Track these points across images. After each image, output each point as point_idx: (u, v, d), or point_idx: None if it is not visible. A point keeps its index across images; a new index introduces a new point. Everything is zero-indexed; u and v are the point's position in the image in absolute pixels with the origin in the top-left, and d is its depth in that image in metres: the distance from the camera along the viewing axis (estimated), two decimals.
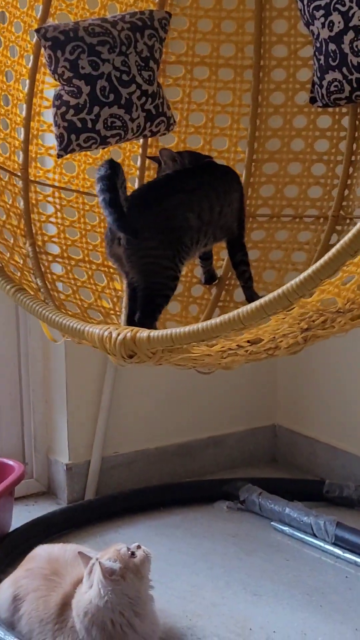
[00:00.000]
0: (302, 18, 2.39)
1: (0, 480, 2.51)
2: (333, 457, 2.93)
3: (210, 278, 2.52)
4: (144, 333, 1.83)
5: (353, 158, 2.52)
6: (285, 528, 2.62)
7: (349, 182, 2.52)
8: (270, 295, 1.62)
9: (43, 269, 2.36)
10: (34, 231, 2.40)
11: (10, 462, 2.62)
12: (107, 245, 2.25)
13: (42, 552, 2.19)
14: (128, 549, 1.99)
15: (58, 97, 2.35)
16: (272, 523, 2.66)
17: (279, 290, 1.61)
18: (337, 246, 1.56)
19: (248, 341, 1.88)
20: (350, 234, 1.54)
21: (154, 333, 1.82)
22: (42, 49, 2.35)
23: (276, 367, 3.10)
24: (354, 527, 2.51)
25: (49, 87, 2.43)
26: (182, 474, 2.97)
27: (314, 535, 2.55)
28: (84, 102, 2.33)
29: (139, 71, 2.39)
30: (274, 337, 1.88)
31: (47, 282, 2.33)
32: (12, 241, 2.31)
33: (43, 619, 2.03)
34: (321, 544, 2.53)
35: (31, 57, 2.42)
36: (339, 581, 2.38)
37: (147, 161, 2.60)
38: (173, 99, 2.58)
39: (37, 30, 2.35)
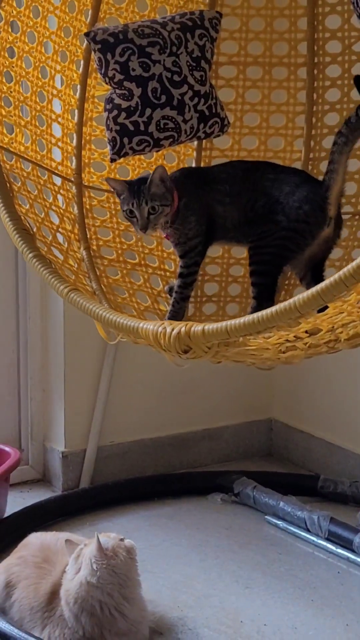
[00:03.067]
0: (355, 10, 2.36)
1: None
2: (328, 452, 2.91)
3: None
4: (199, 327, 1.79)
5: None
6: (279, 522, 2.61)
7: None
8: (327, 282, 1.58)
9: (98, 273, 2.32)
10: (88, 236, 2.36)
11: (7, 449, 2.61)
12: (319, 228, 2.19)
13: (35, 540, 2.20)
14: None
15: (109, 100, 2.30)
16: (265, 517, 2.65)
17: (335, 276, 1.56)
18: None
19: (306, 332, 1.83)
20: None
21: (208, 326, 1.78)
22: (92, 53, 2.29)
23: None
24: (347, 523, 2.49)
25: (101, 92, 2.39)
26: (177, 465, 2.96)
27: (308, 530, 2.53)
28: (136, 105, 2.28)
29: (190, 71, 2.34)
30: (333, 327, 1.83)
31: (102, 285, 2.28)
32: (66, 245, 2.29)
33: (33, 606, 2.04)
34: (314, 538, 2.51)
35: (82, 62, 2.39)
36: (331, 576, 2.37)
37: (204, 160, 2.57)
38: (226, 100, 2.52)
39: (87, 34, 2.29)
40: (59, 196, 2.33)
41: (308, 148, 2.54)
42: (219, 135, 2.45)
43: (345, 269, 1.55)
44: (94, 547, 1.96)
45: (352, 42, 2.50)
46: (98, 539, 1.95)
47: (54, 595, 2.02)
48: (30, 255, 2.07)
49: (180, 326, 1.82)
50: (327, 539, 2.48)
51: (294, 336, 1.85)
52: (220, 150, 2.58)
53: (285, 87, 2.57)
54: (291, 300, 1.63)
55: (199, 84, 2.35)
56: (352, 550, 2.42)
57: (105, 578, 1.94)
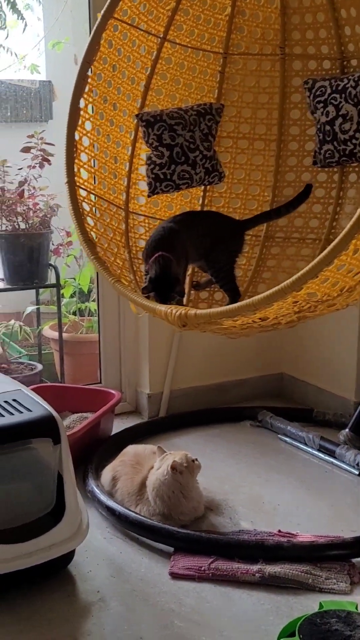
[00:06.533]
0: (309, 108, 2.37)
1: (105, 403, 2.52)
2: (319, 394, 2.89)
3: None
4: (192, 311, 1.84)
5: (340, 201, 2.48)
6: (287, 439, 2.60)
7: (336, 217, 2.48)
8: (274, 289, 1.65)
9: (134, 269, 2.34)
10: (130, 244, 2.38)
11: (113, 391, 2.62)
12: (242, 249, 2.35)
13: (131, 449, 2.23)
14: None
15: (149, 158, 2.35)
16: (278, 435, 2.64)
17: (279, 287, 1.65)
18: (317, 258, 1.60)
19: (260, 318, 1.87)
20: (325, 251, 1.58)
21: (198, 311, 1.83)
22: (140, 127, 2.34)
23: (283, 334, 3.06)
24: (332, 440, 2.48)
25: (143, 152, 2.41)
26: (221, 403, 2.95)
27: (305, 444, 2.53)
28: (165, 162, 2.32)
29: (201, 142, 2.37)
30: (277, 316, 1.86)
31: (137, 277, 2.31)
32: (115, 250, 2.31)
33: (130, 492, 2.06)
34: (310, 450, 2.50)
35: (132, 133, 2.40)
36: (321, 474, 2.37)
37: (207, 198, 2.57)
38: (224, 160, 2.54)
39: (137, 115, 2.34)
40: (114, 218, 2.35)
41: (274, 194, 2.56)
42: (218, 183, 2.50)
43: (285, 283, 1.65)
44: (171, 461, 1.97)
45: (306, 128, 2.52)
46: (173, 461, 1.96)
47: (142, 485, 2.04)
48: (92, 257, 2.12)
49: (181, 310, 1.87)
50: (318, 450, 2.48)
51: (252, 320, 1.87)
52: (218, 193, 2.58)
53: (262, 154, 2.58)
54: (250, 300, 1.72)
55: (206, 150, 2.40)
56: (335, 457, 2.41)
57: (171, 482, 1.96)
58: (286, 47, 2.48)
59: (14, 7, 3.48)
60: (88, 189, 2.25)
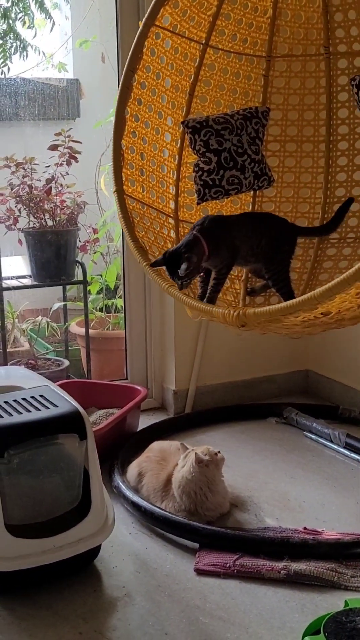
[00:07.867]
0: (358, 105, 2.33)
1: (131, 399, 2.52)
2: (345, 391, 2.87)
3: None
4: (251, 310, 1.79)
5: None
6: (313, 436, 2.59)
7: None
8: (336, 281, 1.59)
9: None
10: None
11: (139, 387, 2.63)
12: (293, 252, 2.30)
13: (157, 445, 2.23)
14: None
15: (196, 165, 2.29)
16: (304, 433, 2.63)
17: (341, 277, 1.57)
18: None
19: (322, 313, 1.81)
20: None
21: (257, 310, 1.78)
22: (185, 134, 2.31)
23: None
24: (358, 437, 2.47)
25: (190, 159, 2.38)
26: (247, 399, 2.94)
27: (331, 441, 2.51)
28: (214, 168, 2.27)
29: (249, 146, 2.32)
30: (339, 310, 1.80)
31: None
32: None
33: (155, 488, 2.07)
34: (335, 447, 2.49)
35: (179, 140, 2.38)
36: (347, 471, 2.35)
37: (257, 204, 2.52)
38: (272, 164, 2.50)
39: (183, 122, 2.30)
40: (164, 227, 2.33)
41: (325, 196, 2.50)
42: (267, 188, 2.44)
43: (346, 273, 1.56)
44: (193, 458, 1.97)
45: (355, 125, 2.46)
46: (196, 454, 1.96)
47: (168, 481, 2.05)
48: (144, 264, 2.09)
49: (239, 309, 1.81)
50: (344, 447, 2.46)
51: (314, 316, 1.82)
52: (268, 197, 2.54)
53: (311, 156, 2.53)
54: (312, 293, 1.63)
55: (254, 154, 2.34)
56: None
57: (197, 477, 1.96)
58: (330, 45, 2.43)
59: (41, 6, 3.49)
60: (137, 198, 2.23)
